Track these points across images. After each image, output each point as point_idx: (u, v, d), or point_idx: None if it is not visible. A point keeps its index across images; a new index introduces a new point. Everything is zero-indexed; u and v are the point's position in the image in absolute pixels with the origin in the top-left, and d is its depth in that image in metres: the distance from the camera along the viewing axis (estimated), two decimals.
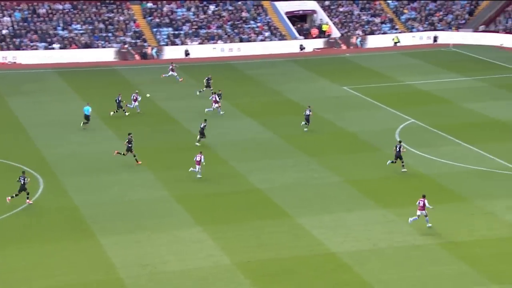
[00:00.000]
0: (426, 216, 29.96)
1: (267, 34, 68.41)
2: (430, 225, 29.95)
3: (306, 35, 70.17)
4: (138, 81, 55.39)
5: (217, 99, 45.96)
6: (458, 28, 70.35)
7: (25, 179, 32.02)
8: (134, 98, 46.06)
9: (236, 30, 68.28)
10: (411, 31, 70.44)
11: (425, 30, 70.35)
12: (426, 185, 34.69)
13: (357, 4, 73.26)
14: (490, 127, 43.17)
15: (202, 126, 40.16)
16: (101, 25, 65.58)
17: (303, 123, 43.11)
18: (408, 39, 69.21)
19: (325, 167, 37.31)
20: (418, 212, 30.24)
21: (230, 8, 70.49)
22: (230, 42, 66.87)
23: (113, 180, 35.34)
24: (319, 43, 68.70)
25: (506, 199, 32.54)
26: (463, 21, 71.27)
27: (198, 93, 50.20)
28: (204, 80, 50.89)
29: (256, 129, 44.21)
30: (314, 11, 72.28)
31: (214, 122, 45.06)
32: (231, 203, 33.20)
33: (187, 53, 64.66)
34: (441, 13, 72.22)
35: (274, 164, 37.96)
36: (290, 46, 67.52)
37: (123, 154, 37.05)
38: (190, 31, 67.08)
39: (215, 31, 67.63)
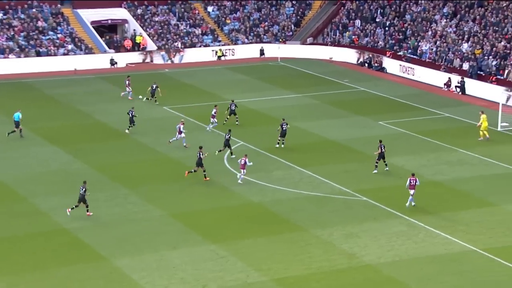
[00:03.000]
0: (412, 195, 35.19)
1: (70, 46, 67.01)
2: (414, 204, 35.42)
3: (118, 48, 69.68)
4: None
5: (214, 113, 47.06)
6: (285, 40, 73.41)
7: (85, 189, 34.10)
8: (179, 129, 44.18)
9: (31, 42, 66.14)
10: (236, 44, 72.41)
11: (250, 43, 72.64)
12: (259, 215, 35.55)
13: (174, 13, 74.04)
14: (324, 148, 45.26)
15: (227, 138, 42.19)
16: None
17: (279, 139, 44.28)
18: (233, 52, 71.02)
19: (146, 200, 37.05)
20: (411, 191, 35.26)
21: (23, 16, 68.19)
22: (25, 56, 64.68)
23: None
24: (133, 57, 68.48)
25: (342, 226, 34.15)
26: (290, 33, 74.52)
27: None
28: (150, 88, 53.10)
29: (62, 158, 43.08)
30: (125, 21, 71.99)
31: (5, 153, 43.22)
32: (31, 247, 31.87)
33: None
34: (266, 24, 74.99)
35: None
36: (98, 61, 66.65)
37: (194, 171, 38.84)
38: None
39: (4, 43, 65.04)
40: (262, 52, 71.56)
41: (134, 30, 70.83)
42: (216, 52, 70.65)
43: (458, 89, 58.92)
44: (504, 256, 30.91)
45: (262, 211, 36.08)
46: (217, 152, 42.75)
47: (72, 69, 64.66)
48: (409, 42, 66.89)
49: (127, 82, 55.29)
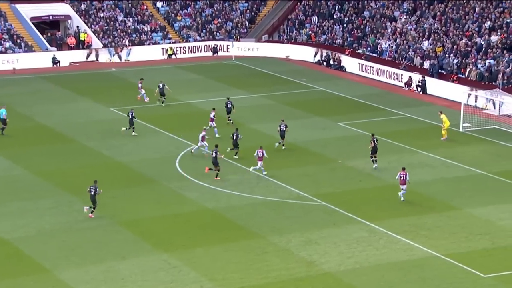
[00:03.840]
0: (404, 190, 37.35)
1: (8, 44, 66.16)
2: (403, 199, 37.43)
3: (60, 45, 69.05)
4: None
5: (213, 116, 46.46)
6: (239, 37, 73.56)
7: (96, 189, 34.80)
8: (202, 137, 43.56)
9: None
10: (187, 41, 72.31)
11: (203, 40, 72.62)
12: (213, 221, 35.56)
13: (121, 9, 73.62)
14: (281, 151, 45.36)
15: (235, 138, 42.92)
16: None
17: (279, 142, 44.48)
18: (184, 50, 70.93)
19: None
20: (403, 187, 37.31)
21: None
22: None
23: None
24: (77, 55, 67.91)
25: (301, 232, 34.30)
26: (245, 30, 74.69)
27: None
28: (157, 89, 52.62)
29: (1, 164, 42.54)
30: (68, 17, 71.38)
31: None
32: None
33: None
34: (219, 20, 75.05)
35: (27, 207, 36.68)
36: (39, 59, 65.96)
37: (214, 169, 39.90)
38: None
39: None
40: (215, 50, 71.59)
41: (78, 26, 70.23)
42: (166, 50, 70.46)
43: (419, 89, 59.73)
44: (467, 262, 31.42)
45: (216, 217, 36.09)
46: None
47: (11, 68, 63.86)
48: (368, 39, 67.60)
49: (140, 85, 54.52)
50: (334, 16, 72.45)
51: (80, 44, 69.12)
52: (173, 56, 70.23)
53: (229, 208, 36.97)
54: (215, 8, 76.10)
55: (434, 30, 64.46)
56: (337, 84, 61.67)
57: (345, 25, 70.68)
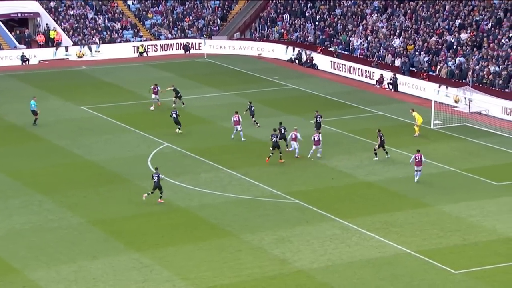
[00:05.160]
0: (419, 171, 39.30)
1: None
2: (418, 180, 39.61)
3: (29, 43, 68.53)
4: None
5: (240, 118, 46.01)
6: (211, 35, 73.49)
7: (159, 176, 36.10)
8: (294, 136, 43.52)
9: None
10: (159, 39, 72.09)
11: (174, 38, 72.45)
12: (185, 220, 35.52)
13: (91, 7, 73.22)
14: (253, 149, 45.43)
15: (283, 131, 43.89)
16: None
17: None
18: (155, 48, 70.72)
19: (63, 206, 36.56)
20: (416, 168, 39.38)
21: None
22: None
23: None
24: (47, 53, 67.44)
25: (274, 230, 34.40)
26: (216, 28, 74.63)
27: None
28: (174, 93, 51.90)
29: None
30: (37, 14, 70.87)
31: None
32: None
33: None
34: (190, 18, 74.92)
35: None
36: (8, 58, 65.41)
37: (272, 153, 42.25)
38: None
39: None
40: (187, 48, 71.44)
41: (47, 24, 69.72)
42: (138, 48, 70.19)
43: (391, 86, 60.09)
44: (438, 258, 31.70)
45: (189, 216, 36.05)
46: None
47: None
48: (340, 37, 67.85)
49: (154, 89, 53.10)
50: (306, 14, 72.66)
51: (50, 42, 68.63)
52: (145, 54, 69.98)
53: (202, 207, 36.94)
54: (187, 6, 75.96)
55: (405, 28, 64.87)
56: (309, 81, 61.83)
57: (317, 23, 70.88)
